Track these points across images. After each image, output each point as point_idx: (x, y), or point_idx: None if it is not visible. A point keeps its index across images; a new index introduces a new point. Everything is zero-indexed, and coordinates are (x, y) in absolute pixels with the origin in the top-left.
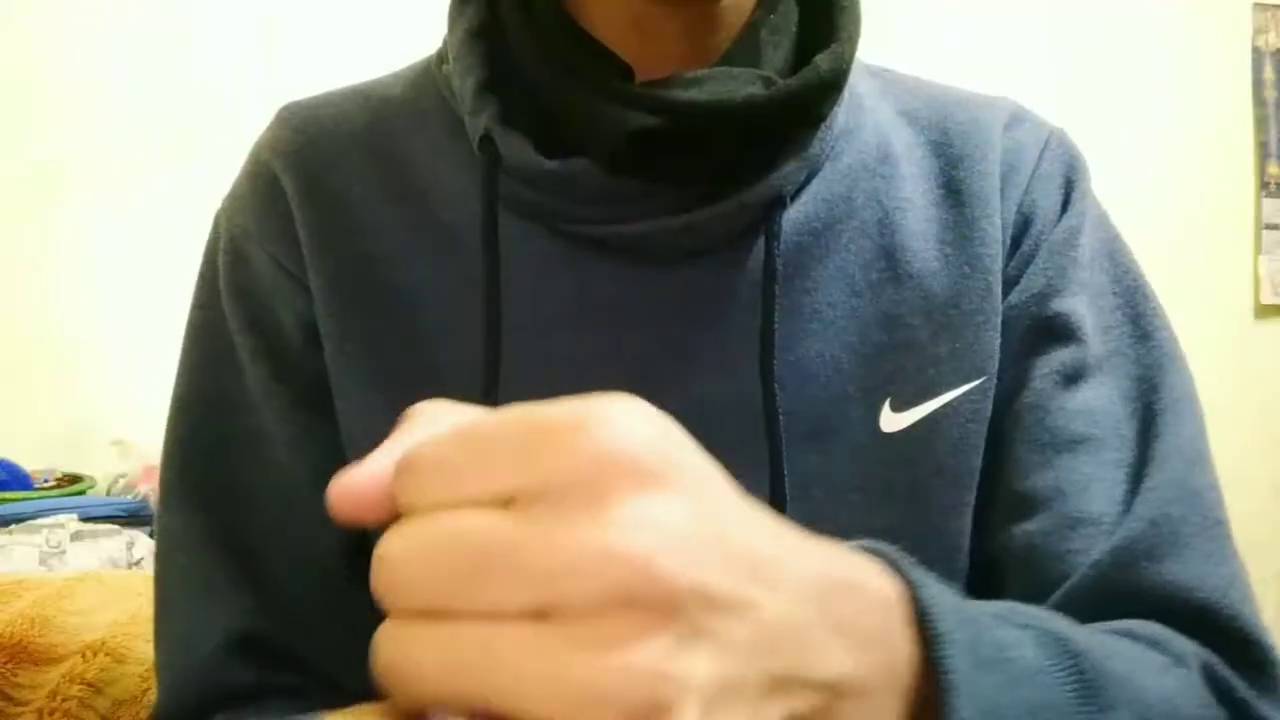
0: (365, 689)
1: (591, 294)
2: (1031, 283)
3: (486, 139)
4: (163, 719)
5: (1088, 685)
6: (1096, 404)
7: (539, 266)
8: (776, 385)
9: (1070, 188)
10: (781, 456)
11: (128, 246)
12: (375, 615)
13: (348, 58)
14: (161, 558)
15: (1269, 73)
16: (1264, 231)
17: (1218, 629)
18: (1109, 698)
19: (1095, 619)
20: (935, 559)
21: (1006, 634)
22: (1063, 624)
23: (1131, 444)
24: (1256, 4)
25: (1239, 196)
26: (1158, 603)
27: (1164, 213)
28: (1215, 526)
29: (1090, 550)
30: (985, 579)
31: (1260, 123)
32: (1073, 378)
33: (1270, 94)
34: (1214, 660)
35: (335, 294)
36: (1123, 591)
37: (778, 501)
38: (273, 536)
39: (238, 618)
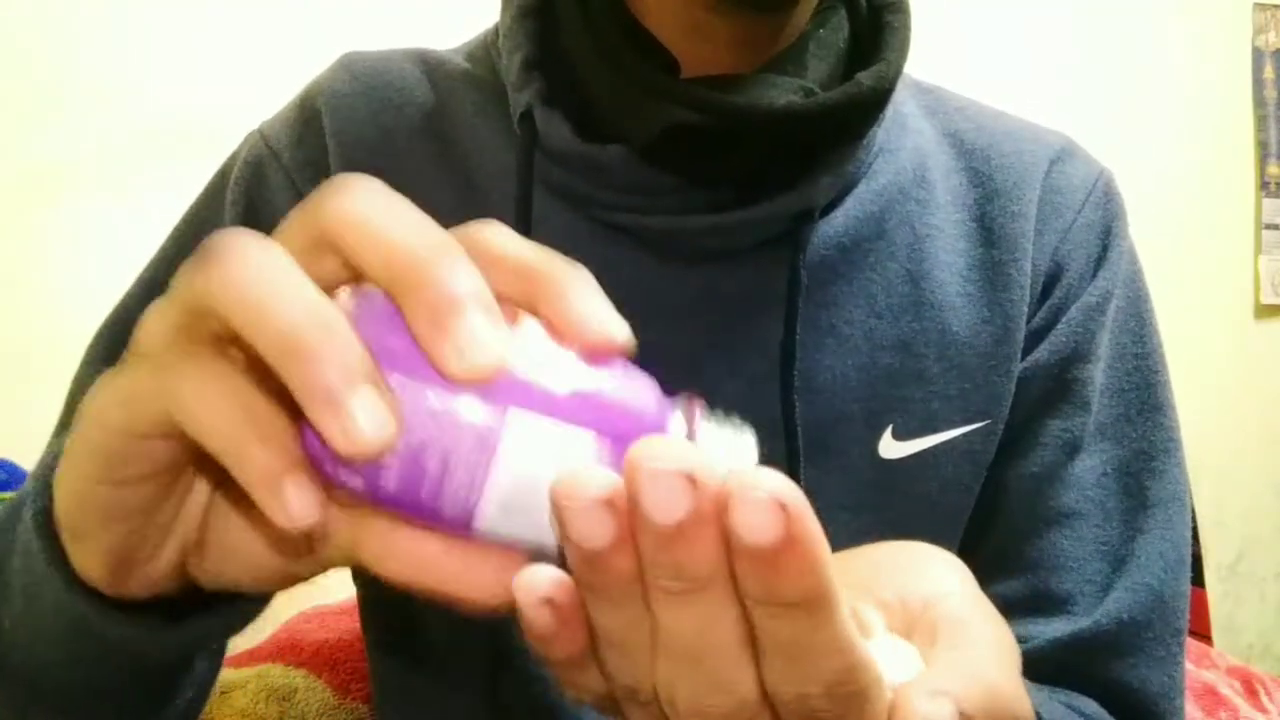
0: None
1: (613, 280)
2: (1057, 343)
3: (526, 116)
4: None
5: None
6: (1089, 477)
7: (565, 246)
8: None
9: (1109, 239)
10: (799, 471)
11: (130, 245)
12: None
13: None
14: (70, 409)
15: (1269, 73)
16: (1264, 231)
17: None
18: None
19: (1039, 685)
20: None
21: None
22: (1033, 693)
23: (1117, 521)
24: (1256, 4)
25: (1239, 196)
26: (1103, 692)
27: (1164, 213)
28: (1174, 635)
29: (1049, 629)
30: None
31: (1260, 123)
32: (1074, 447)
33: (1270, 94)
34: None
35: None
36: (1074, 673)
37: None
38: None
39: None
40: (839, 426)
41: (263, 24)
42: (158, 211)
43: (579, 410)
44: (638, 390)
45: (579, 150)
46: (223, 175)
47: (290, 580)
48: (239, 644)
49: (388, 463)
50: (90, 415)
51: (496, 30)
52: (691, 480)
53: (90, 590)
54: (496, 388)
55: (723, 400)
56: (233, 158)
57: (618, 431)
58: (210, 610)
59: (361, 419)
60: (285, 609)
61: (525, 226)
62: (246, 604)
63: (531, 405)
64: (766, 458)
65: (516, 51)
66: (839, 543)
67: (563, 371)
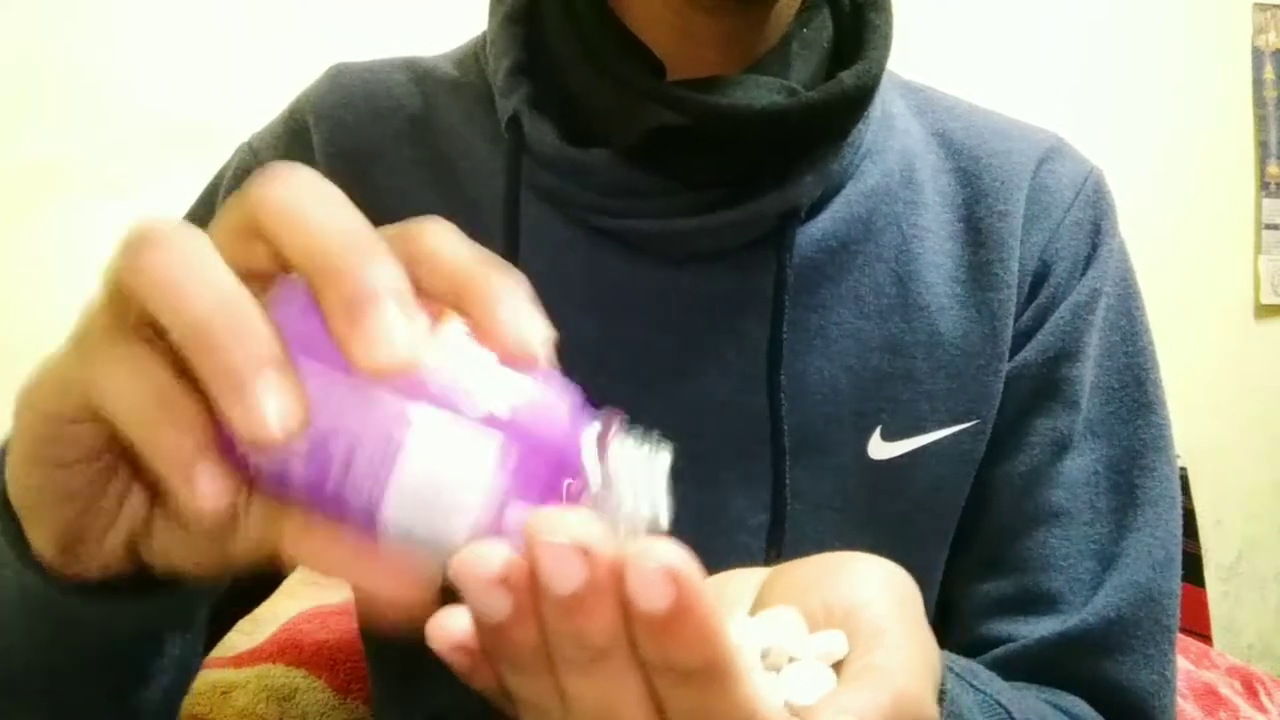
0: None
1: (601, 283)
2: (1045, 343)
3: (514, 121)
4: None
5: None
6: (1078, 475)
7: (553, 250)
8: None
9: (1098, 238)
10: (785, 471)
11: None
12: None
13: (358, 55)
14: None
15: (1269, 73)
16: (1264, 231)
17: None
18: None
19: (1027, 683)
20: None
21: (964, 698)
22: (1008, 694)
23: (1106, 519)
24: (1256, 4)
25: (1239, 196)
26: (1091, 690)
27: (1164, 213)
28: (1164, 633)
29: (1039, 628)
30: (939, 613)
31: (1260, 123)
32: (1063, 446)
33: (1270, 94)
34: None
35: None
36: (1062, 672)
37: (778, 515)
38: None
39: None
40: (828, 427)
41: (252, 23)
42: (152, 210)
43: (489, 414)
44: (553, 400)
45: (565, 154)
46: (213, 188)
47: (229, 568)
48: (239, 644)
49: (296, 450)
50: (25, 399)
51: (485, 36)
52: (586, 551)
53: (51, 570)
54: (408, 383)
55: (710, 401)
56: (223, 170)
57: (526, 438)
58: (164, 590)
59: (266, 405)
60: (286, 609)
61: (513, 231)
62: (198, 586)
63: (440, 404)
64: (755, 459)
65: (503, 57)
66: (829, 544)
67: (478, 375)
